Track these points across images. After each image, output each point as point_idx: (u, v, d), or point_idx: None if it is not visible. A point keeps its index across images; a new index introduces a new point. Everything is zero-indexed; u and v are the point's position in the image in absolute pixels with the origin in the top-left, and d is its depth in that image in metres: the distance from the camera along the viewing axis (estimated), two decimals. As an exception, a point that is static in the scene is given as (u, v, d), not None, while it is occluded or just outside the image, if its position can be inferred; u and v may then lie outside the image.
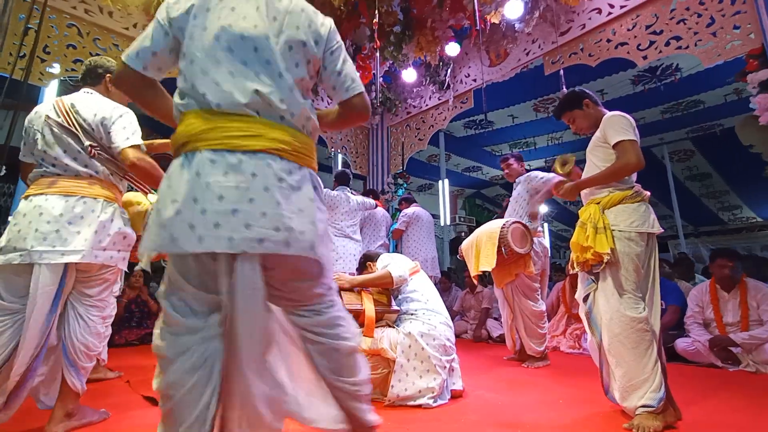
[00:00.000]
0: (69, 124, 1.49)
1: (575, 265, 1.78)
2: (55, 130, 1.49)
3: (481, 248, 2.73)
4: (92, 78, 1.65)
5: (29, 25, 2.96)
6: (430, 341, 1.91)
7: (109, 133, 1.49)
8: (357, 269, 2.55)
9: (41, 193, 1.44)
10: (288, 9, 1.02)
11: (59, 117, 1.49)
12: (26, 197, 1.46)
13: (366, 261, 2.40)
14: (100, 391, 1.98)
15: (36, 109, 1.57)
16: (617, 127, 1.72)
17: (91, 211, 1.46)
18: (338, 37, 1.09)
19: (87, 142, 1.49)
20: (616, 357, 1.61)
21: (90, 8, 3.27)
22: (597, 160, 1.81)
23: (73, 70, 3.21)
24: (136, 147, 1.47)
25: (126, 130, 1.49)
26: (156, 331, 0.91)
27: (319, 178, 1.06)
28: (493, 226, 2.77)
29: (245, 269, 0.87)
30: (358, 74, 1.11)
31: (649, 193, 1.75)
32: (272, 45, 0.96)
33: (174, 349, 0.87)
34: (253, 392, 0.90)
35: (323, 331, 0.99)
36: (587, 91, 1.93)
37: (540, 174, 2.98)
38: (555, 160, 2.04)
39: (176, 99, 0.96)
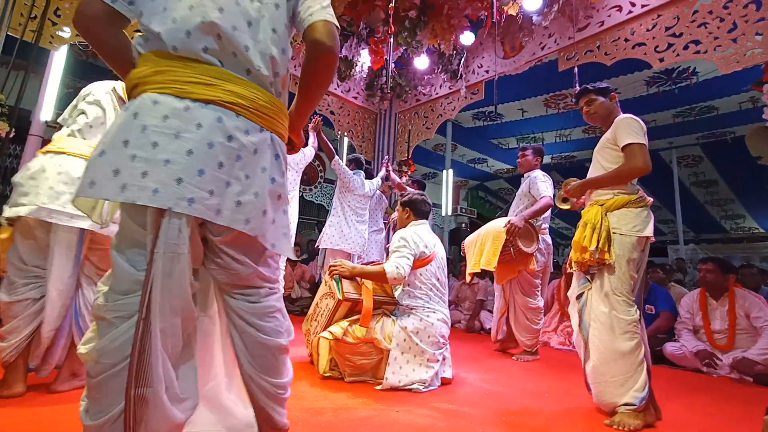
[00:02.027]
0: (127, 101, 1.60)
1: (572, 264, 1.81)
2: (114, 101, 1.57)
3: (485, 246, 2.70)
4: None
5: (41, -14, 2.93)
6: (425, 338, 1.95)
7: None
8: (397, 206, 2.36)
9: (64, 152, 1.44)
10: None
11: (123, 92, 1.60)
12: (46, 152, 1.46)
13: (401, 205, 2.27)
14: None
15: (103, 83, 1.66)
16: (628, 129, 1.73)
17: None
18: None
19: None
20: (604, 354, 1.65)
21: (102, -28, 3.22)
22: (603, 161, 1.82)
23: (83, 35, 3.19)
24: None
25: None
26: (100, 289, 0.80)
27: (284, 146, 0.95)
28: (499, 225, 2.75)
29: (170, 229, 0.76)
30: (331, 7, 0.95)
31: (652, 200, 1.76)
32: None
33: (118, 311, 0.75)
34: (160, 386, 0.77)
35: (255, 321, 0.89)
36: None
37: (542, 184, 2.86)
38: (559, 188, 2.03)
39: (137, 41, 0.84)
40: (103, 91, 1.58)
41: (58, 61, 3.44)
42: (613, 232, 1.69)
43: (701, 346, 2.82)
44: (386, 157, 4.02)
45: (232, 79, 0.82)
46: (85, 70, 5.13)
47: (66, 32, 3.12)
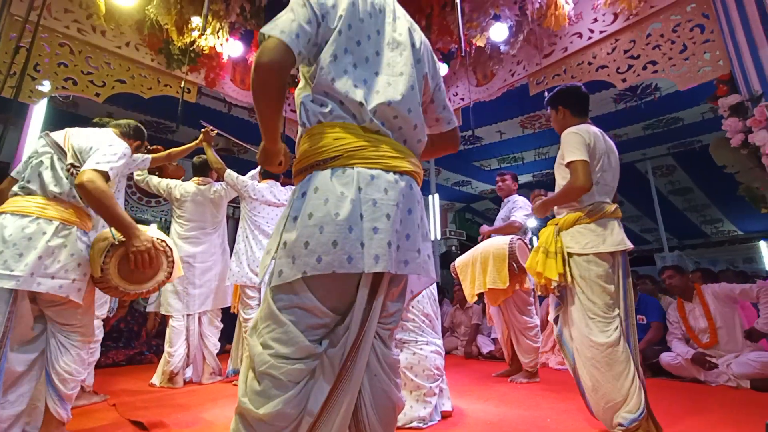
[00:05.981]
0: (63, 144, 1.56)
1: (538, 288, 1.78)
2: (50, 147, 1.55)
3: (488, 266, 2.74)
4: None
5: (20, 44, 2.98)
6: (420, 372, 1.92)
7: (88, 158, 1.48)
8: None
9: (2, 212, 1.43)
10: (422, 39, 1.03)
11: (58, 137, 1.58)
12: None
13: None
14: (85, 417, 1.94)
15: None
16: (568, 146, 1.68)
17: (42, 233, 1.40)
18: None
19: (69, 161, 1.52)
20: (592, 380, 1.60)
21: (83, 27, 3.30)
22: (560, 177, 1.79)
23: (63, 87, 3.22)
24: (100, 173, 1.40)
25: (104, 156, 1.45)
26: (261, 343, 0.80)
27: None
28: (497, 244, 2.81)
29: (382, 290, 0.85)
30: None
31: (612, 208, 1.68)
32: (418, 69, 0.97)
33: (291, 375, 0.77)
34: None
35: (386, 369, 0.89)
36: (581, 92, 1.86)
37: (521, 211, 3.10)
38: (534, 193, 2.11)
39: (313, 106, 0.87)
40: (43, 141, 1.58)
41: (38, 113, 3.46)
42: (568, 253, 1.64)
43: (692, 351, 2.84)
44: None
45: (405, 150, 0.93)
46: (64, 120, 5.12)
47: (45, 86, 3.15)
